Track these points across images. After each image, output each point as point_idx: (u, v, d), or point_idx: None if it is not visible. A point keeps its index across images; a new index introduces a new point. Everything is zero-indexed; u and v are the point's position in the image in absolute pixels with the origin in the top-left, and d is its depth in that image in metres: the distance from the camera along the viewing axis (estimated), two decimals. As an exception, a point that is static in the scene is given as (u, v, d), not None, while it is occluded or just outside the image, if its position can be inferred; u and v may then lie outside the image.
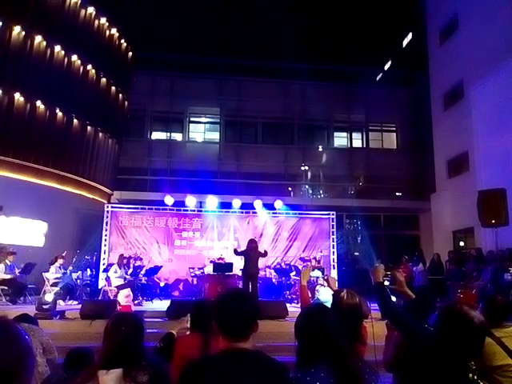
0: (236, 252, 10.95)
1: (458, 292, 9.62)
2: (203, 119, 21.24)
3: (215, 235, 13.86)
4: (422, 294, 3.18)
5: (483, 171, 13.80)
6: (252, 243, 10.54)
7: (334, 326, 1.99)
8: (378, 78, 21.96)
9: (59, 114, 14.52)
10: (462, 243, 16.65)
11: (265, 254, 10.83)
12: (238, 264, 11.52)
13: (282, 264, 13.21)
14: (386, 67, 22.57)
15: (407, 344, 2.35)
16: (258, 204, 14.14)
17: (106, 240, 13.06)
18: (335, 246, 13.91)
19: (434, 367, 1.97)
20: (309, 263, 12.31)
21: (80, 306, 8.81)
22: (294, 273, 12.16)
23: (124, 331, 2.06)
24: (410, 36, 22.12)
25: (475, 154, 14.70)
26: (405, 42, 22.52)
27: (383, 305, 2.38)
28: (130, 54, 18.80)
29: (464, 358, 1.96)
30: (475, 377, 1.94)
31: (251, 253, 10.28)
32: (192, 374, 1.74)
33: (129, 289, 9.94)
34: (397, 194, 20.26)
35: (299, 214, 14.56)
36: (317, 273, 11.21)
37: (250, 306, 1.84)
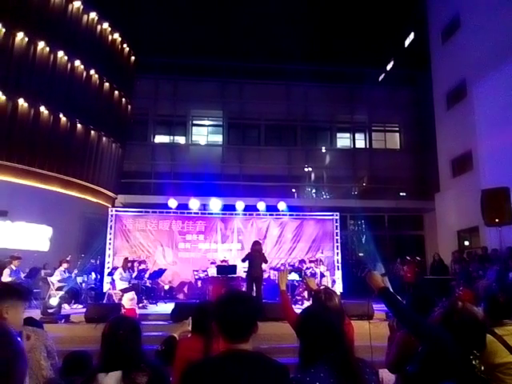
0: (243, 260, 10.82)
1: (458, 290, 9.62)
2: (206, 122, 21.26)
3: (219, 237, 13.89)
4: (412, 299, 3.17)
5: (487, 170, 13.75)
6: (256, 245, 10.43)
7: (337, 325, 1.99)
8: (380, 79, 21.92)
9: (63, 118, 14.61)
10: (466, 242, 16.56)
11: (265, 262, 10.75)
12: (242, 266, 11.51)
13: (286, 265, 13.19)
14: (389, 67, 22.52)
15: (414, 345, 2.32)
16: (261, 206, 14.15)
17: (110, 244, 13.12)
18: (339, 247, 13.89)
19: (445, 366, 1.95)
20: (312, 264, 12.29)
21: (85, 309, 8.87)
22: (297, 275, 12.13)
23: (122, 334, 2.08)
24: (412, 36, 22.08)
25: (479, 152, 14.65)
26: (407, 42, 22.47)
27: (395, 309, 2.22)
28: (133, 58, 18.89)
29: (473, 355, 1.97)
30: (479, 372, 1.94)
31: (255, 255, 10.20)
32: (192, 375, 1.75)
33: (133, 292, 9.96)
34: (401, 194, 20.18)
35: (303, 215, 14.56)
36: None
37: (250, 308, 1.85)
